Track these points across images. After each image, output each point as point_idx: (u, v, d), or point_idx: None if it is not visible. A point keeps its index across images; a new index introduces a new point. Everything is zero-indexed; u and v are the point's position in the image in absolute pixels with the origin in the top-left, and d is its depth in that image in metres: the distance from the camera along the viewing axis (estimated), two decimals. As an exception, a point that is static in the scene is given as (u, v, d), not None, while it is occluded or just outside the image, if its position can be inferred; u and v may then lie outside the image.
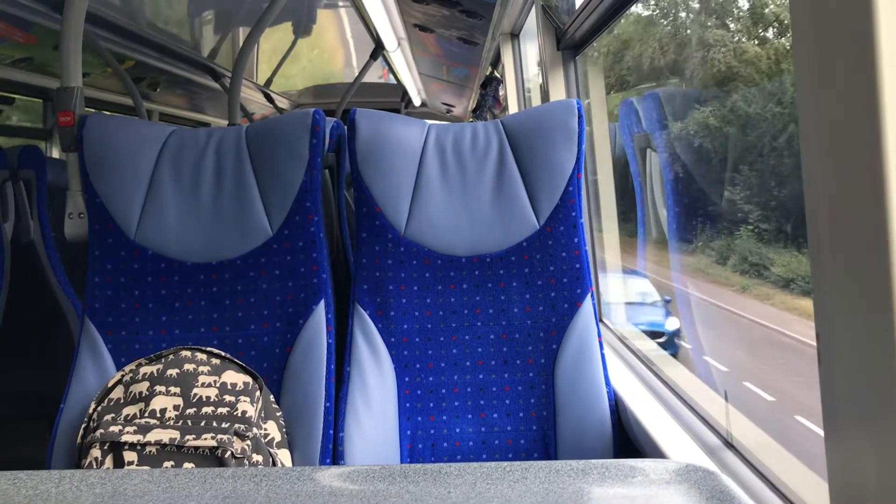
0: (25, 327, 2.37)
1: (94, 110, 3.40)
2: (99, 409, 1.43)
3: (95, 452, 1.33)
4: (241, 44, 4.04)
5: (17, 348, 2.31)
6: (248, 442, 1.36)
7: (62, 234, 1.79)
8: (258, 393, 1.46)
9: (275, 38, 4.73)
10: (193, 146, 1.68)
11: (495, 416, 1.60)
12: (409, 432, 1.59)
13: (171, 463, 1.31)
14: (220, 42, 4.25)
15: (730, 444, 1.30)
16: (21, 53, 2.96)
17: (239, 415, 1.39)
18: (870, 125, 0.62)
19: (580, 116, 1.65)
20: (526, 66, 4.01)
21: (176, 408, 1.38)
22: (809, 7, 0.69)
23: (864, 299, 0.66)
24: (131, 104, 3.82)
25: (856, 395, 0.69)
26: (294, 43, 4.99)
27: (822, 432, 0.75)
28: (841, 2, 0.65)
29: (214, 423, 1.36)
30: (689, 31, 2.66)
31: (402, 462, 1.56)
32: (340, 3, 4.08)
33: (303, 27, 4.51)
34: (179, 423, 1.36)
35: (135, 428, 1.34)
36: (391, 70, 5.60)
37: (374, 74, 6.00)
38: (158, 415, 1.37)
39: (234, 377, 1.45)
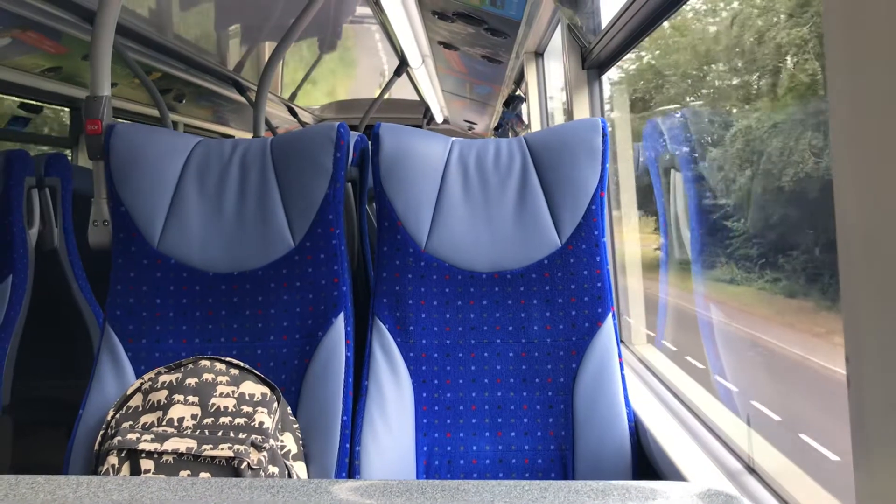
0: (47, 333, 2.39)
1: (120, 120, 3.44)
2: (117, 416, 1.43)
3: (112, 459, 1.33)
4: (266, 58, 4.08)
5: (37, 354, 2.32)
6: (265, 453, 1.36)
7: (86, 241, 1.81)
8: (276, 404, 1.46)
9: (300, 52, 4.77)
10: (218, 157, 1.69)
11: (513, 434, 1.58)
12: (425, 448, 1.58)
13: (188, 472, 1.31)
14: (246, 55, 4.29)
15: (751, 469, 1.28)
16: (50, 63, 3.00)
17: (256, 426, 1.39)
18: None
19: (605, 135, 1.65)
20: (549, 85, 4.02)
21: (194, 417, 1.38)
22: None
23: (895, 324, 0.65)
24: (157, 115, 3.87)
25: (887, 422, 0.68)
26: (319, 58, 5.03)
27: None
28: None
29: (231, 434, 1.36)
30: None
31: (417, 478, 1.55)
32: (366, 20, 4.11)
33: (328, 43, 4.54)
34: (197, 433, 1.36)
35: (152, 436, 1.34)
36: (415, 87, 5.62)
37: (397, 91, 6.03)
38: (176, 423, 1.37)
39: (252, 388, 1.45)
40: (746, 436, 1.33)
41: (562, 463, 1.55)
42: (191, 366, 1.48)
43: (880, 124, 0.65)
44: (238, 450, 1.32)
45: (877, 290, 0.68)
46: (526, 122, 4.71)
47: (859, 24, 0.67)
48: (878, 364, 0.68)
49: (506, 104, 5.06)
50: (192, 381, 1.44)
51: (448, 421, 1.59)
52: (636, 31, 1.96)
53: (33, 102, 3.47)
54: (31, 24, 2.49)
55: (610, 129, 1.69)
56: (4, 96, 3.33)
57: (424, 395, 1.60)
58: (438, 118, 7.22)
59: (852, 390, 0.72)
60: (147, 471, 1.31)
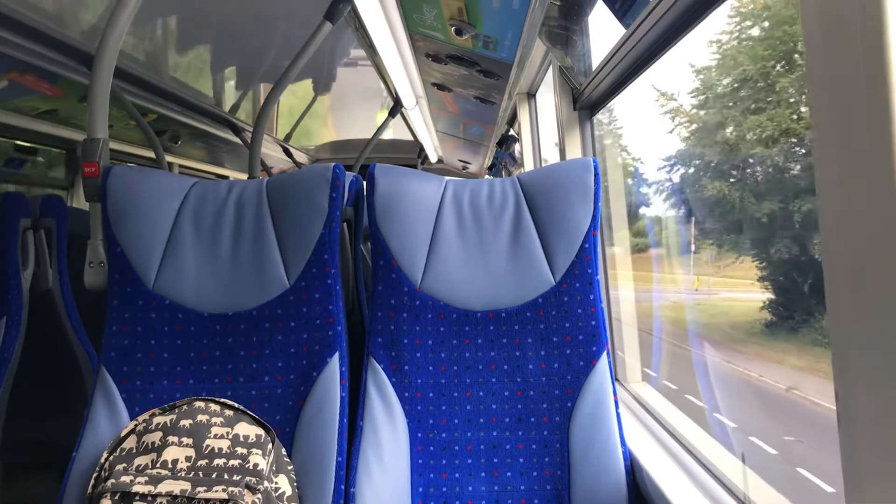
0: (40, 374, 2.38)
1: (116, 162, 3.46)
2: (111, 458, 1.42)
3: (106, 502, 1.32)
4: (262, 99, 4.12)
5: (31, 395, 2.30)
6: (259, 495, 1.35)
7: (81, 283, 1.81)
8: (270, 446, 1.45)
9: (295, 94, 4.82)
10: (214, 198, 1.70)
11: (509, 474, 1.57)
12: (420, 489, 1.57)
13: None
14: (242, 97, 4.33)
15: None
16: (46, 105, 3.03)
17: (251, 468, 1.38)
18: (887, 183, 0.63)
19: (597, 174, 1.67)
20: (541, 125, 4.06)
21: (188, 459, 1.37)
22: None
23: (884, 359, 0.66)
24: (153, 156, 3.89)
25: (877, 456, 0.69)
26: (314, 99, 5.08)
27: None
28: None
29: (226, 476, 1.35)
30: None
31: None
32: (360, 62, 4.16)
33: (323, 84, 4.59)
34: (191, 475, 1.35)
35: (146, 478, 1.33)
36: (409, 127, 5.67)
37: (391, 132, 6.08)
38: (170, 465, 1.36)
39: (246, 429, 1.45)
40: (741, 473, 1.33)
41: (558, 502, 1.54)
42: (185, 407, 1.47)
43: (862, 178, 0.67)
44: (232, 492, 1.31)
45: (865, 327, 0.69)
46: (519, 161, 4.75)
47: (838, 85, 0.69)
48: (867, 400, 0.69)
49: (499, 144, 5.10)
50: (186, 422, 1.43)
51: (444, 461, 1.59)
52: (626, 72, 1.99)
53: (29, 144, 3.49)
54: (29, 67, 2.52)
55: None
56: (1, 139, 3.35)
57: (420, 435, 1.60)
58: (433, 158, 7.27)
59: (842, 426, 0.72)
60: None
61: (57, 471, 1.55)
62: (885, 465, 0.67)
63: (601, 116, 2.44)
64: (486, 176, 7.13)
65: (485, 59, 2.77)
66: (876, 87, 0.64)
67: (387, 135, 5.94)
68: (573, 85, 2.45)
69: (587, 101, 2.39)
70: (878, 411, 0.67)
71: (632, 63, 1.91)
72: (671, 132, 2.97)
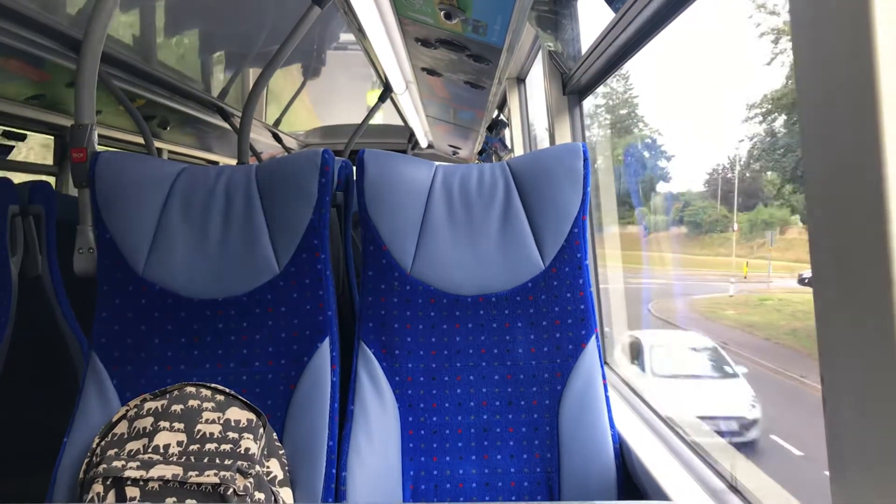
0: (30, 361, 2.37)
1: (104, 148, 3.44)
2: (102, 443, 1.43)
3: (98, 488, 1.32)
4: (250, 84, 4.10)
5: (21, 382, 2.30)
6: (251, 479, 1.35)
7: (70, 269, 1.80)
8: (262, 430, 1.46)
9: (284, 78, 4.80)
10: (203, 183, 1.70)
11: (499, 457, 1.59)
12: (411, 473, 1.58)
13: (174, 499, 1.30)
14: (231, 82, 4.31)
15: (734, 488, 1.29)
16: (33, 90, 3.01)
17: (242, 452, 1.38)
18: (873, 171, 0.63)
19: (586, 159, 1.67)
20: (531, 110, 4.06)
21: (179, 444, 1.38)
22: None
23: (869, 343, 0.66)
24: (142, 142, 3.87)
25: (861, 439, 0.70)
26: (303, 84, 5.06)
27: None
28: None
29: (217, 460, 1.36)
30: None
31: (404, 503, 1.55)
32: (350, 47, 4.14)
33: (312, 69, 4.57)
34: (182, 460, 1.36)
35: (138, 463, 1.34)
36: (399, 112, 5.65)
37: (381, 117, 6.07)
38: (162, 450, 1.37)
39: (238, 414, 1.45)
40: (729, 454, 1.34)
41: (548, 485, 1.56)
42: (176, 392, 1.48)
43: (848, 163, 0.67)
44: (224, 476, 1.32)
45: (849, 313, 0.70)
46: (509, 146, 4.75)
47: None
48: (851, 384, 0.70)
49: (489, 129, 5.10)
50: (177, 407, 1.44)
51: (434, 445, 1.60)
52: (614, 57, 1.99)
53: (16, 130, 3.46)
54: (14, 52, 2.50)
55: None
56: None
57: (410, 419, 1.61)
58: (423, 143, 7.25)
59: (828, 409, 0.73)
60: (133, 498, 1.30)
61: (48, 457, 1.56)
62: (869, 447, 0.69)
63: (615, 84, 2.38)
64: (476, 161, 7.12)
65: (474, 43, 2.76)
66: (862, 78, 0.65)
67: (376, 120, 5.93)
68: (563, 70, 2.45)
69: (576, 85, 2.39)
70: (863, 396, 0.68)
71: (621, 47, 1.91)
72: (769, 64, 2.47)
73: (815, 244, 0.74)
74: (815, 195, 0.73)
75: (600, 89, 2.26)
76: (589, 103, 2.36)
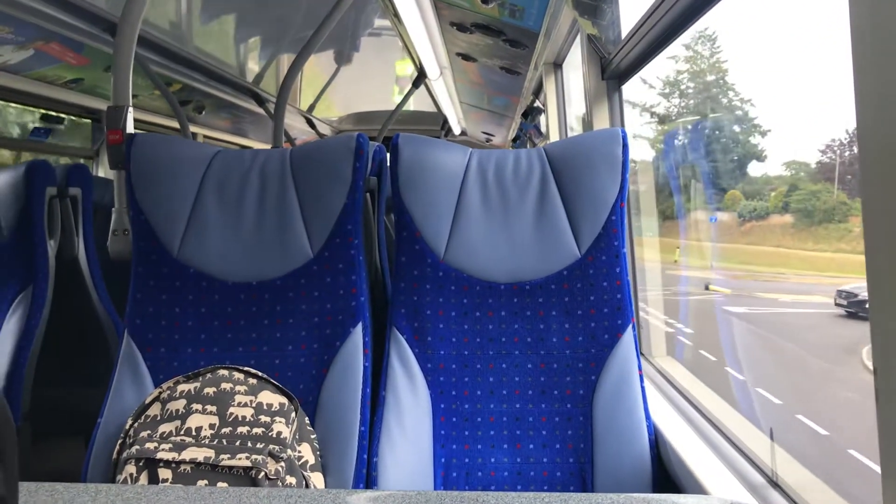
0: (66, 342, 2.41)
1: (141, 131, 3.47)
2: (136, 425, 1.43)
3: (130, 468, 1.33)
4: (285, 69, 4.11)
5: (57, 362, 2.33)
6: (283, 463, 1.35)
7: (106, 251, 1.81)
8: (293, 414, 1.45)
9: (318, 65, 4.80)
10: (238, 167, 1.69)
11: (531, 446, 1.57)
12: (443, 460, 1.57)
13: (206, 482, 1.31)
14: (265, 68, 4.32)
15: (774, 483, 1.26)
16: (72, 74, 3.04)
17: (274, 436, 1.38)
18: None
19: (625, 145, 1.63)
20: (568, 96, 4.01)
21: (212, 426, 1.38)
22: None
23: None
24: (177, 126, 3.90)
25: None
26: (337, 70, 5.05)
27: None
28: None
29: (249, 444, 1.36)
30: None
31: (435, 489, 1.53)
32: (384, 32, 4.13)
33: (346, 56, 4.56)
34: (214, 442, 1.36)
35: (170, 445, 1.34)
36: (433, 98, 5.63)
37: (414, 103, 6.04)
38: (194, 433, 1.37)
39: (270, 398, 1.45)
40: (769, 450, 1.31)
41: (581, 476, 1.54)
42: (209, 375, 1.48)
43: None
44: (256, 459, 1.32)
45: None
46: (544, 133, 4.70)
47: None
48: None
49: (524, 115, 5.05)
50: (210, 390, 1.44)
51: (466, 432, 1.58)
52: (656, 40, 1.95)
53: (54, 114, 3.51)
54: (54, 35, 2.52)
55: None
56: (27, 107, 3.37)
57: (442, 406, 1.59)
58: (456, 130, 7.23)
59: (881, 401, 0.70)
60: (165, 480, 1.31)
61: (83, 437, 1.57)
62: None
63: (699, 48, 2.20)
64: (511, 148, 7.08)
65: (511, 27, 2.73)
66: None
67: (409, 106, 5.91)
68: (602, 54, 2.41)
69: (616, 70, 2.35)
70: None
71: (662, 31, 1.86)
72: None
73: (871, 236, 0.71)
74: (871, 187, 0.70)
75: (681, 52, 2.14)
76: (670, 69, 2.23)
